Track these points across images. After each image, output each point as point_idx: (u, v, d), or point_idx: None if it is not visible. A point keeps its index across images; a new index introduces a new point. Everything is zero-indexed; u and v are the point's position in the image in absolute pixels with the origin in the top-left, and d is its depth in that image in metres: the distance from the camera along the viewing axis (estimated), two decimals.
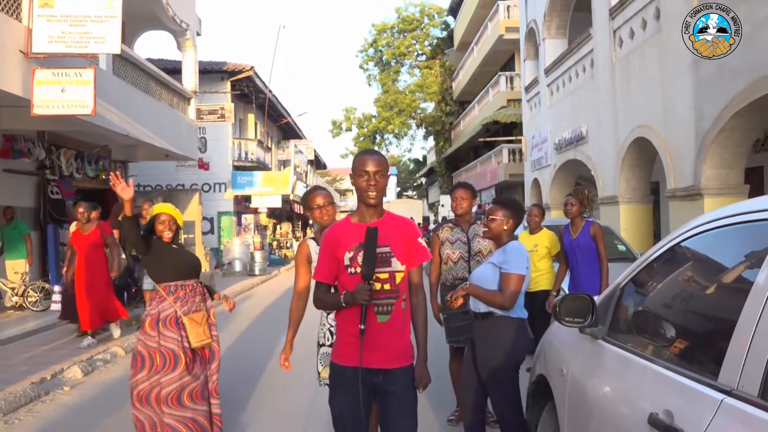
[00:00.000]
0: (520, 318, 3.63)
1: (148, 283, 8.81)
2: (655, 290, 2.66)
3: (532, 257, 6.10)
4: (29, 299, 10.71)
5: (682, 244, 2.42)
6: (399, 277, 2.74)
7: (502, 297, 3.53)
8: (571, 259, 5.93)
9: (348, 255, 2.71)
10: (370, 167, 2.70)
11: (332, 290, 2.85)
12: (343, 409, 2.73)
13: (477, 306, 3.70)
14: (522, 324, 3.67)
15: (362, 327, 2.62)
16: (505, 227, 3.73)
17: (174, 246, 4.41)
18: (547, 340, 3.51)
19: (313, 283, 3.00)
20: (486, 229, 3.78)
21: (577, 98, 15.65)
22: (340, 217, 3.38)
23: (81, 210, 8.29)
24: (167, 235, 4.30)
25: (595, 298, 2.82)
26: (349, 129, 41.55)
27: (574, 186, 17.78)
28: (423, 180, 53.83)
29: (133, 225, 4.18)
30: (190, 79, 16.85)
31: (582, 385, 2.68)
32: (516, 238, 3.84)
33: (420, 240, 2.83)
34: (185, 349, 4.13)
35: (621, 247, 8.89)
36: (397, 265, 2.73)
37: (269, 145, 29.59)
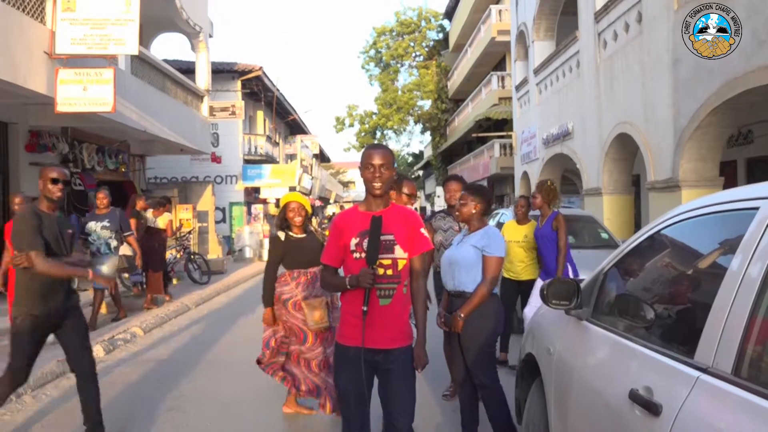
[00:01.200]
0: (491, 294, 3.71)
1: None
2: (636, 275, 2.66)
3: (522, 247, 6.08)
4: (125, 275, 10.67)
5: (662, 232, 2.42)
6: (401, 263, 2.74)
7: (484, 286, 3.62)
8: (538, 247, 5.91)
9: (354, 241, 2.72)
10: (376, 160, 2.71)
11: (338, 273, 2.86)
12: (347, 386, 2.75)
13: (450, 284, 3.77)
14: (494, 299, 3.74)
15: (365, 309, 2.64)
16: (474, 211, 3.82)
17: (302, 236, 4.48)
18: (535, 321, 3.52)
19: None
20: (458, 213, 3.86)
21: (563, 96, 15.60)
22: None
23: (17, 200, 7.00)
24: (297, 221, 4.41)
25: (580, 282, 2.82)
26: (351, 125, 41.42)
27: (560, 177, 17.80)
28: (420, 173, 53.75)
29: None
30: (203, 79, 16.79)
31: (567, 363, 2.69)
32: (487, 222, 3.90)
33: (422, 230, 2.83)
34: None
35: (604, 235, 8.89)
36: (399, 252, 2.73)
37: (277, 140, 29.52)
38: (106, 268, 4.00)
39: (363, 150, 2.84)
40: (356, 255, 2.71)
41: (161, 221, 10.41)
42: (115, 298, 8.56)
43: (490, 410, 3.72)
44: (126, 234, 8.25)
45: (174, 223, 12.22)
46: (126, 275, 10.97)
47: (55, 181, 3.82)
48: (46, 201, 3.85)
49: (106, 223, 7.94)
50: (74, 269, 3.81)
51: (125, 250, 8.58)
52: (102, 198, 8.08)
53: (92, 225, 7.94)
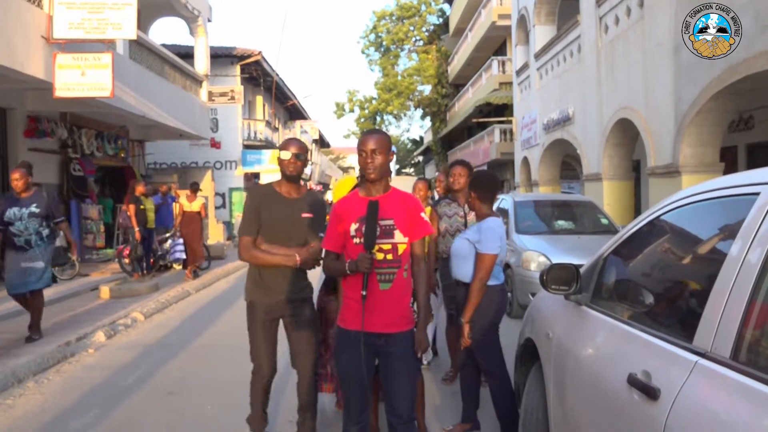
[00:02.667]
0: (495, 284, 3.73)
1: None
2: (636, 260, 2.66)
3: None
4: (56, 268, 10.74)
5: (661, 217, 2.42)
6: (401, 248, 2.75)
7: (474, 284, 3.60)
8: None
9: (354, 226, 2.74)
10: (368, 146, 2.73)
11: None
12: (348, 369, 2.78)
13: (456, 274, 3.82)
14: (497, 289, 3.77)
15: (364, 293, 2.65)
16: (477, 203, 3.79)
17: None
18: (534, 306, 3.53)
19: None
20: (468, 206, 3.87)
21: (564, 81, 15.54)
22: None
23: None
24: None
25: (580, 267, 2.82)
26: (351, 110, 41.29)
27: (561, 162, 17.77)
28: (420, 158, 53.67)
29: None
30: (201, 63, 16.72)
31: (566, 348, 2.70)
32: (495, 212, 3.85)
33: (422, 215, 2.84)
34: None
35: (604, 221, 8.89)
36: (399, 237, 2.74)
37: (276, 126, 29.44)
38: None
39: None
40: (356, 240, 2.73)
41: (195, 205, 11.40)
42: (34, 312, 6.57)
43: (495, 396, 3.75)
44: (57, 221, 6.51)
45: (208, 205, 12.98)
46: (126, 260, 11.00)
47: (284, 155, 3.31)
48: (282, 178, 3.37)
49: (33, 209, 6.22)
50: (282, 258, 3.28)
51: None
52: (17, 179, 6.20)
53: (15, 212, 6.18)
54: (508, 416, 3.67)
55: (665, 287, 2.30)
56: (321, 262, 2.85)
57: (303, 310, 3.49)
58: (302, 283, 3.43)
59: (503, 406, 3.70)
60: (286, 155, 3.28)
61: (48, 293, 9.30)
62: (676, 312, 2.14)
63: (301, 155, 3.31)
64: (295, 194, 3.37)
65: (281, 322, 3.52)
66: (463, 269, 3.75)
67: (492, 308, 3.73)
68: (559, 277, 2.74)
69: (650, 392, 1.78)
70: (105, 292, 9.41)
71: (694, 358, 1.70)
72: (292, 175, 3.30)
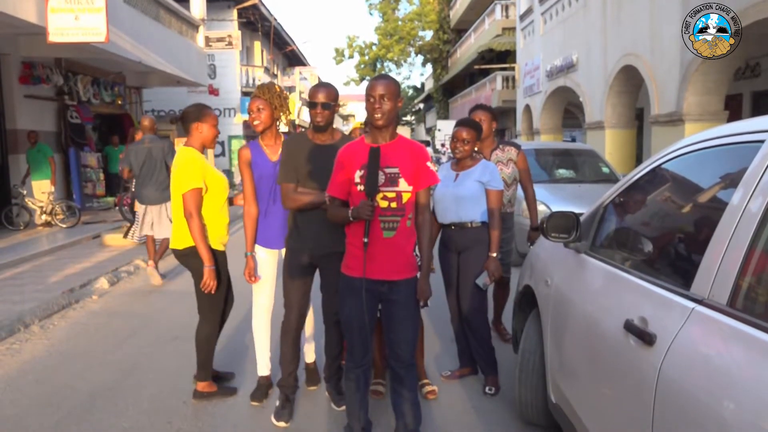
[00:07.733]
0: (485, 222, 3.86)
1: None
2: (636, 209, 2.67)
3: None
4: (57, 217, 10.79)
5: (663, 166, 2.40)
6: (405, 197, 2.75)
7: (496, 218, 3.78)
8: None
9: (358, 173, 2.73)
10: (377, 91, 2.69)
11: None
12: (351, 315, 2.82)
13: (453, 217, 3.83)
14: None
15: (366, 240, 2.67)
16: (476, 148, 3.94)
17: None
18: (534, 253, 3.55)
19: None
20: (458, 151, 3.83)
21: (569, 27, 15.21)
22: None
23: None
24: None
25: (580, 216, 2.83)
26: (351, 56, 40.59)
27: (563, 110, 17.58)
28: (421, 106, 53.04)
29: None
30: (197, 7, 16.35)
31: (564, 295, 2.73)
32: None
33: (429, 164, 2.82)
34: None
35: (605, 170, 8.85)
36: (404, 185, 2.73)
37: (275, 72, 29.00)
38: None
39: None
40: (360, 188, 2.73)
41: None
42: None
43: (476, 336, 3.82)
44: None
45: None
46: (127, 208, 11.04)
47: (312, 105, 3.22)
48: (311, 128, 3.35)
49: None
50: (313, 197, 3.22)
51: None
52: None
53: None
54: (487, 355, 3.81)
55: (665, 235, 2.31)
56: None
57: (338, 262, 3.31)
58: (339, 234, 3.08)
59: (482, 344, 3.81)
60: (313, 105, 3.22)
61: (50, 241, 9.39)
62: (674, 260, 2.16)
63: (329, 104, 3.20)
64: (329, 140, 3.30)
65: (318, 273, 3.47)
66: (473, 211, 3.79)
67: (483, 244, 3.80)
68: (558, 225, 2.75)
69: (646, 338, 1.81)
70: (107, 239, 9.47)
71: (692, 304, 1.72)
72: (320, 125, 3.24)
